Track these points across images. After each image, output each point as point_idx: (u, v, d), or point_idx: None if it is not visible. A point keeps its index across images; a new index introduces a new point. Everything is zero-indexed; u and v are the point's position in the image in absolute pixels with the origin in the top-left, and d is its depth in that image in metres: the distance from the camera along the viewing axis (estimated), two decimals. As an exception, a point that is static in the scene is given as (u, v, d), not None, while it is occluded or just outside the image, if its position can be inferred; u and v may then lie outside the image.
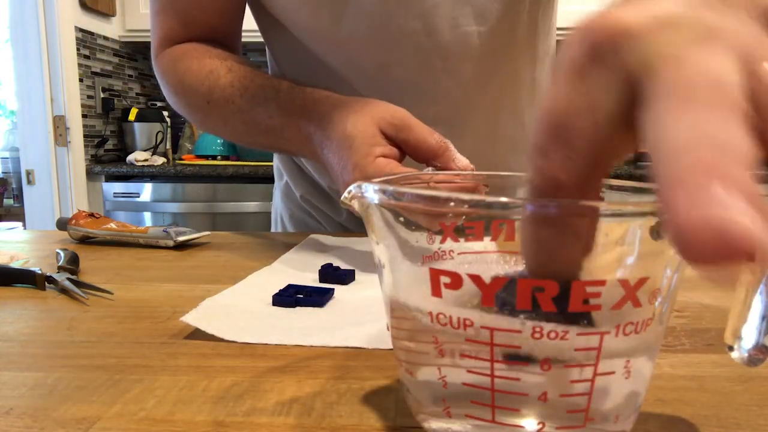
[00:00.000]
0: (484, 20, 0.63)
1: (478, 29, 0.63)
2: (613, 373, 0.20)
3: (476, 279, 0.19)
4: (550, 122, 0.18)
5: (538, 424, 0.20)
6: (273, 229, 0.90)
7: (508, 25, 0.65)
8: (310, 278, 0.48)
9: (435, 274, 0.20)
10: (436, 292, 0.20)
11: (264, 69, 0.68)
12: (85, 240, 0.67)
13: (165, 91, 0.71)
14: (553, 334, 0.18)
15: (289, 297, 0.41)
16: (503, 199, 0.19)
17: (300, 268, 0.52)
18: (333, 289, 0.44)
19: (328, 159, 0.53)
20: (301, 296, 0.42)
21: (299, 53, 0.68)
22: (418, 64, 0.64)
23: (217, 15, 0.69)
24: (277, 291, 0.42)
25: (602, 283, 0.18)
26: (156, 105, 2.73)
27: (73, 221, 0.67)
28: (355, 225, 0.78)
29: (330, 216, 0.79)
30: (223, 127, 0.68)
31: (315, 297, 0.42)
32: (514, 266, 0.24)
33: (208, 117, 0.67)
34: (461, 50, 0.64)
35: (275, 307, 0.41)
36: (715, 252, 0.13)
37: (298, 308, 0.40)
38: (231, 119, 0.64)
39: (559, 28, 0.72)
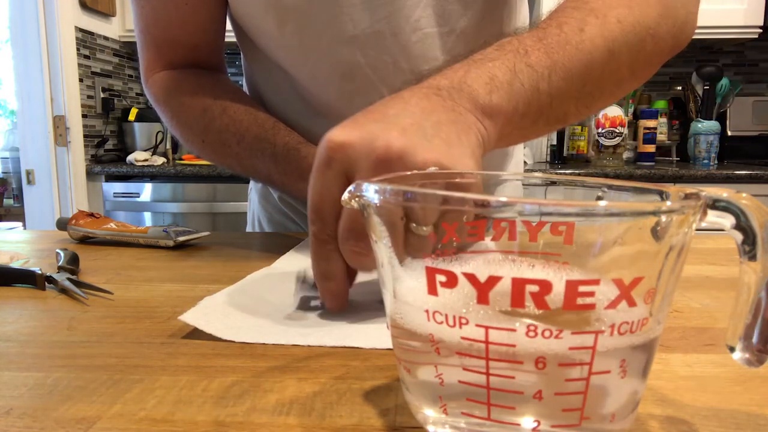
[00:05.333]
0: (445, 21, 0.64)
1: (440, 30, 0.64)
2: (608, 372, 0.20)
3: (471, 278, 0.19)
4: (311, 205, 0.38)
5: (534, 422, 0.20)
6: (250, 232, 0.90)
7: (471, 27, 0.65)
8: (309, 278, 0.48)
9: (431, 273, 0.20)
10: (432, 290, 0.20)
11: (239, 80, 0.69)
12: (85, 240, 0.68)
13: (161, 117, 0.72)
14: (547, 333, 0.18)
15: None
16: (504, 199, 0.19)
17: (300, 268, 0.52)
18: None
19: None
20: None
21: (271, 67, 0.69)
22: (383, 67, 0.64)
23: (198, 33, 0.70)
24: (275, 292, 0.42)
25: (596, 282, 0.18)
26: (156, 105, 2.73)
27: (73, 221, 0.67)
28: None
29: None
30: (221, 163, 0.70)
31: None
32: (517, 265, 0.24)
33: (204, 152, 0.70)
34: (425, 52, 0.64)
35: (274, 307, 0.40)
36: None
37: (297, 309, 0.41)
38: (229, 160, 0.67)
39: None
